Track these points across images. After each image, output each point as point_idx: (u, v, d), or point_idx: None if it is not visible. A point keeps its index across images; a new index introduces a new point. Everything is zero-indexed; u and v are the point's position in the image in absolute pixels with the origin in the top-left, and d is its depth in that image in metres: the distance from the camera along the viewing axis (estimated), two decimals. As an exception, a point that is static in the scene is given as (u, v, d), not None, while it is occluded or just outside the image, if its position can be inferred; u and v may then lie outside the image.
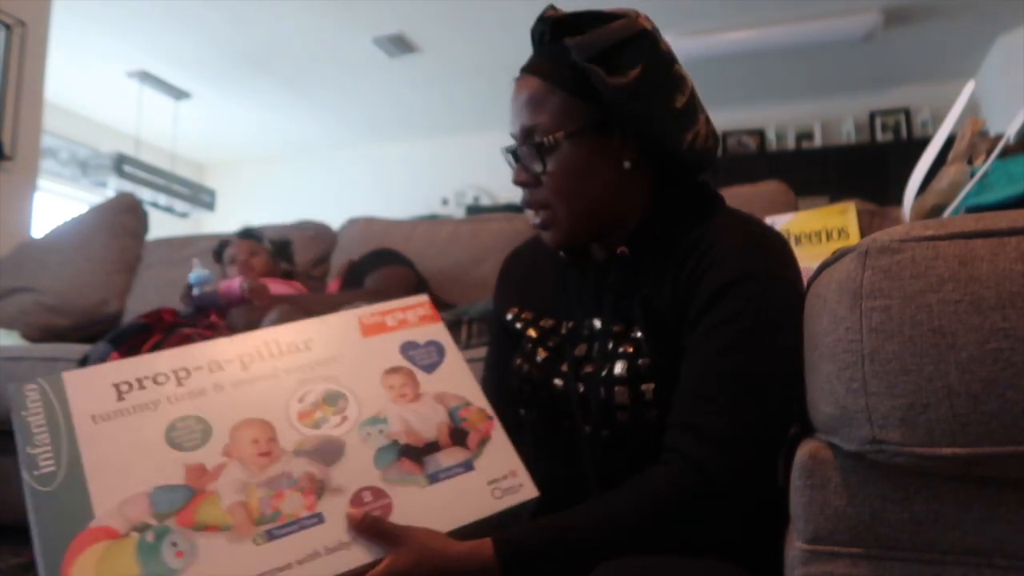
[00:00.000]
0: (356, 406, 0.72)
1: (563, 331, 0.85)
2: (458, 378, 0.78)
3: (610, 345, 0.78)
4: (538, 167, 0.79)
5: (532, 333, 0.87)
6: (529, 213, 0.83)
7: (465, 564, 0.65)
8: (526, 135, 0.79)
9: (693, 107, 0.78)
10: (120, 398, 0.66)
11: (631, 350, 0.76)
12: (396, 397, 0.74)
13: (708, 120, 0.81)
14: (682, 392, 0.72)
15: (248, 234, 2.12)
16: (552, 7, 0.81)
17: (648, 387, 0.75)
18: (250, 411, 0.69)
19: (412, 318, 0.81)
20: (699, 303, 0.72)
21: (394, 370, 0.76)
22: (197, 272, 1.80)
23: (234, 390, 0.69)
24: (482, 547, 0.65)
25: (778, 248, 0.76)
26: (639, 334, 0.77)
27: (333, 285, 2.05)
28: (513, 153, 0.82)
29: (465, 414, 0.76)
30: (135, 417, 0.65)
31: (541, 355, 0.84)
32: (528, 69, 0.81)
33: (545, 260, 0.92)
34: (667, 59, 0.77)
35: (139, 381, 0.67)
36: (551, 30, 0.79)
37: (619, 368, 0.76)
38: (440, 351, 0.80)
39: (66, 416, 0.64)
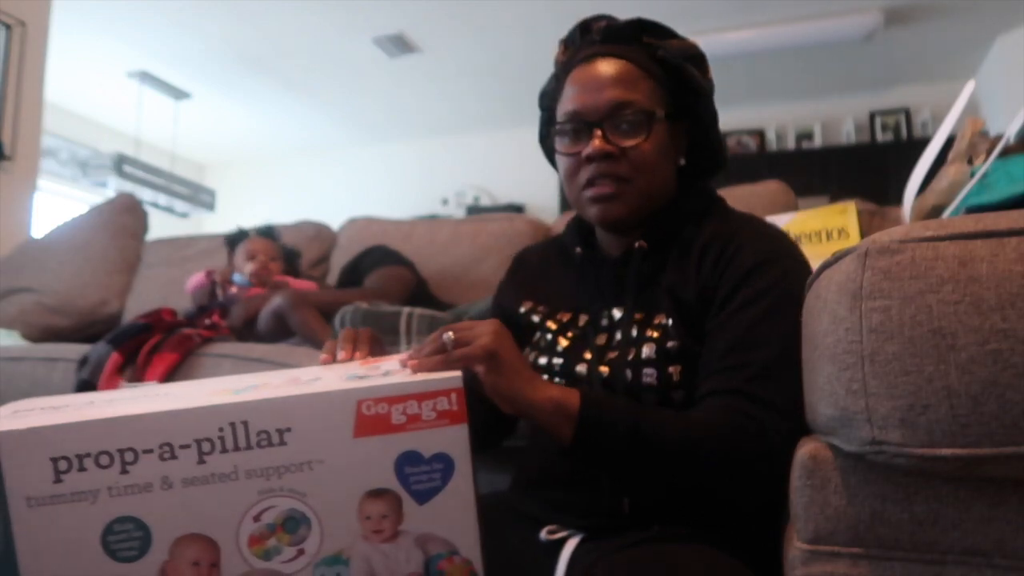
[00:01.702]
0: (318, 538, 0.61)
1: (581, 323, 0.88)
2: (454, 512, 0.63)
3: (634, 331, 0.82)
4: (632, 140, 0.83)
5: (551, 325, 0.90)
6: (593, 190, 0.84)
7: (547, 386, 0.71)
8: (618, 108, 0.83)
9: None
10: (58, 479, 0.58)
11: (657, 335, 0.80)
12: (369, 532, 0.62)
13: None
14: (716, 362, 0.75)
15: (269, 233, 2.11)
16: (606, 16, 0.90)
17: (675, 368, 0.79)
18: (197, 523, 0.60)
19: (428, 414, 0.63)
20: (730, 283, 0.78)
21: (378, 494, 0.62)
22: (241, 275, 1.96)
23: (184, 490, 0.60)
24: (567, 389, 0.72)
25: (787, 238, 0.85)
26: (665, 320, 0.81)
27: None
28: (588, 124, 0.83)
29: (444, 566, 0.63)
30: (72, 508, 0.59)
31: (563, 344, 0.87)
32: (612, 52, 0.86)
33: (555, 259, 0.97)
34: None
35: (80, 459, 0.59)
36: (632, 28, 0.87)
37: (647, 351, 0.80)
38: (447, 470, 0.63)
39: (0, 490, 0.58)
